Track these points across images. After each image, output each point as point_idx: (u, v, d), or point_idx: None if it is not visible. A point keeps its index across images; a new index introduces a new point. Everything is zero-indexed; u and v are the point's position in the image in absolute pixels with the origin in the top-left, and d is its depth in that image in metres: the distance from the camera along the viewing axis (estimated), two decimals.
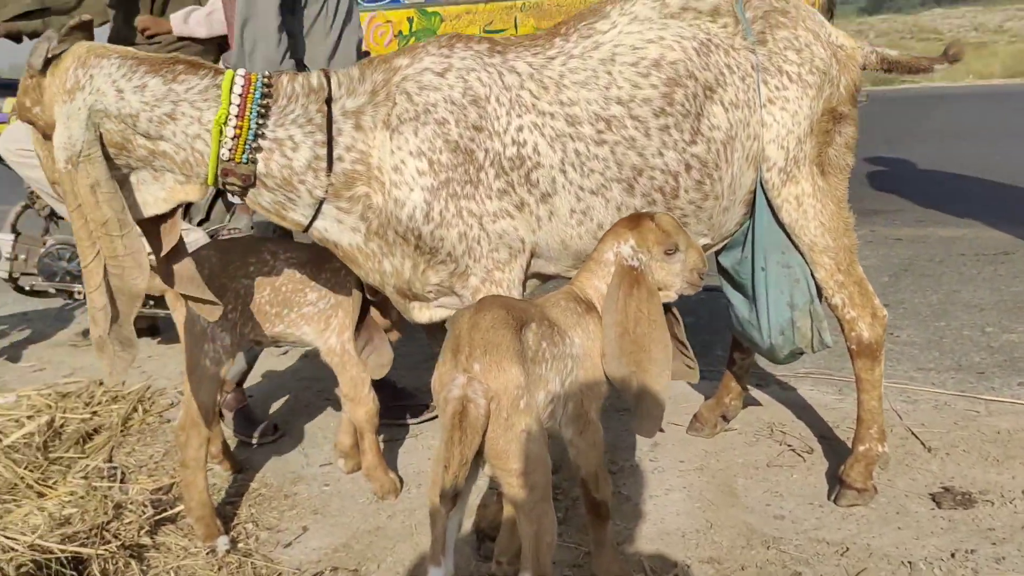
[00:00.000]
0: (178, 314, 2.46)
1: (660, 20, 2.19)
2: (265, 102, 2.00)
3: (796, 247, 2.37)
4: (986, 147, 8.03)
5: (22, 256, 3.81)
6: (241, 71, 2.02)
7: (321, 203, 2.08)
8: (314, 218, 2.10)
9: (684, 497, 2.52)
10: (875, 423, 2.44)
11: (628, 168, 2.15)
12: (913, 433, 2.80)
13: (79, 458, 2.93)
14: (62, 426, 3.13)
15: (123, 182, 2.01)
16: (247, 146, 1.99)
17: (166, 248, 2.08)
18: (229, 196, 2.13)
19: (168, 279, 2.10)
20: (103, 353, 1.96)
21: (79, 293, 3.78)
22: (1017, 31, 24.59)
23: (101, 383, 3.56)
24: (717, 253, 2.49)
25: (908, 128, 9.39)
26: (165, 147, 1.99)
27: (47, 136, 1.97)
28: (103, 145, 1.94)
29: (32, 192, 3.82)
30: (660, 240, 1.95)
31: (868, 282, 2.42)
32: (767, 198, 2.32)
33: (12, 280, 3.85)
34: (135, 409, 3.33)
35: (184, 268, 2.10)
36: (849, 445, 2.72)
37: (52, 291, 3.83)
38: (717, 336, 3.80)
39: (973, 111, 10.21)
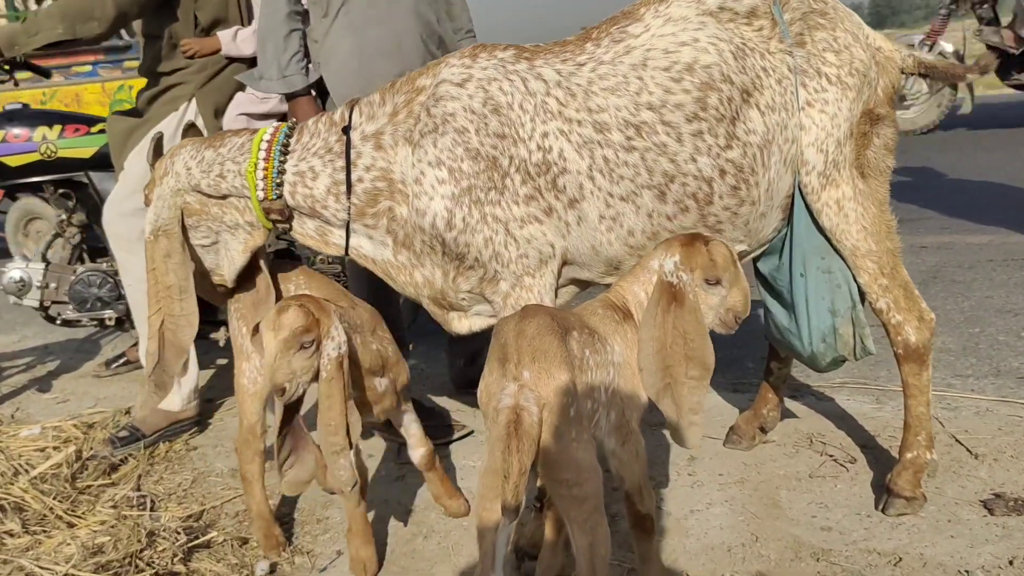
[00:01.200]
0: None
1: (697, 19, 2.15)
2: (287, 142, 2.22)
3: (837, 252, 2.31)
4: (1007, 154, 7.96)
5: (53, 284, 3.81)
6: (273, 124, 2.27)
7: (348, 224, 2.20)
8: (347, 239, 2.22)
9: (727, 511, 2.45)
10: (923, 429, 2.38)
11: (659, 174, 2.12)
12: (958, 440, 2.73)
13: (107, 487, 2.90)
14: (90, 456, 3.09)
15: (214, 247, 2.35)
16: (274, 183, 2.20)
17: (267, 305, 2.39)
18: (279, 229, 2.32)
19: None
20: (143, 388, 2.34)
21: (110, 319, 3.77)
22: None
23: (127, 412, 3.53)
24: (755, 260, 2.44)
25: (927, 136, 9.32)
26: (226, 205, 2.28)
27: None
28: (184, 222, 2.29)
29: (62, 220, 3.82)
30: (704, 266, 1.89)
31: (913, 285, 2.36)
32: (806, 203, 2.28)
33: (43, 309, 3.84)
34: (164, 429, 3.30)
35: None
36: (892, 454, 2.67)
37: (83, 321, 3.82)
38: (746, 349, 3.74)
39: (993, 118, 10.11)
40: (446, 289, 2.20)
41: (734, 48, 2.15)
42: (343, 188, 2.17)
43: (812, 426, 2.94)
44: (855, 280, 2.33)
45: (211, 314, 3.80)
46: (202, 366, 3.60)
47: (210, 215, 2.29)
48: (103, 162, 3.66)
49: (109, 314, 3.76)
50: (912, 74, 2.44)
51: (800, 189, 2.27)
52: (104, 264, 3.80)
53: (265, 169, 2.19)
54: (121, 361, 4.28)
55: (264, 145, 2.21)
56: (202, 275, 2.39)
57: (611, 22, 2.22)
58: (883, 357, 3.46)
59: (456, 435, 3.08)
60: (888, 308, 2.33)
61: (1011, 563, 2.10)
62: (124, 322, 3.80)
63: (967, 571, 2.09)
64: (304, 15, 2.84)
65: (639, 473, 1.90)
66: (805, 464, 2.68)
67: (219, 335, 3.80)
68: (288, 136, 2.23)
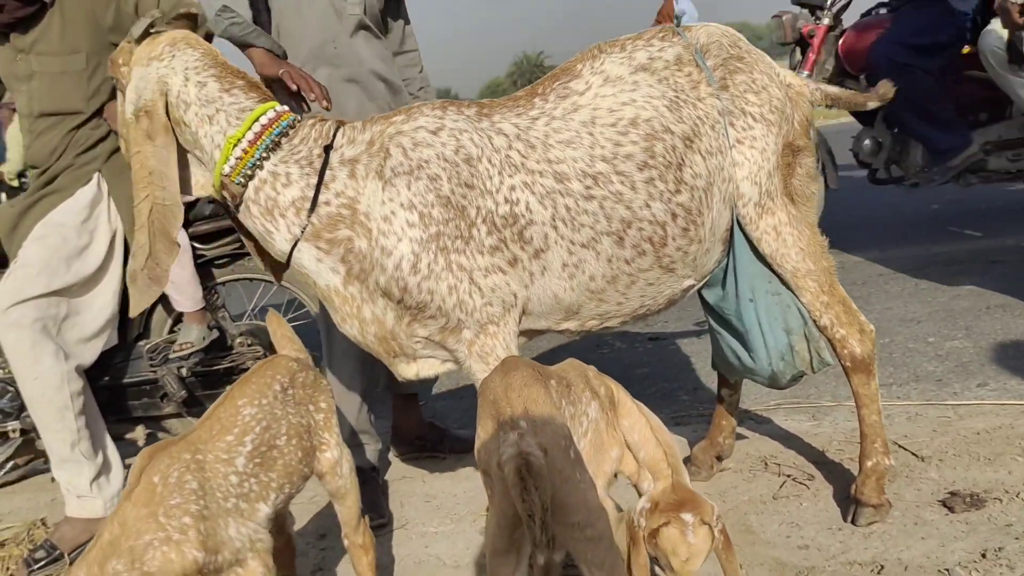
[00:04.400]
0: None
1: (631, 77, 2.25)
2: (279, 139, 2.15)
3: (778, 275, 2.40)
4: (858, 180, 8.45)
5: None
6: (281, 108, 2.18)
7: (297, 241, 2.14)
8: (290, 254, 2.17)
9: None
10: (878, 437, 2.46)
11: (617, 221, 2.18)
12: (901, 446, 2.83)
13: None
14: (8, 573, 2.84)
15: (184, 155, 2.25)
16: (245, 170, 2.13)
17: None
18: (227, 207, 2.27)
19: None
20: (134, 285, 2.18)
21: (14, 431, 3.48)
22: None
23: (43, 522, 3.27)
24: (700, 291, 2.49)
25: None
26: (200, 140, 2.19)
27: (122, 91, 2.28)
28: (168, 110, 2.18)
29: None
30: (648, 540, 1.90)
31: (851, 300, 2.47)
32: (745, 232, 2.36)
33: None
34: (85, 543, 3.06)
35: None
36: (844, 467, 2.75)
37: None
38: (678, 382, 3.81)
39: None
40: (397, 331, 2.18)
41: (668, 102, 2.25)
42: (307, 205, 2.13)
43: (761, 449, 3.00)
44: (799, 300, 2.41)
45: (125, 412, 3.60)
46: None
47: (182, 136, 2.21)
48: None
49: (13, 426, 3.47)
50: (820, 105, 2.59)
51: (738, 220, 2.35)
52: (1, 372, 3.53)
53: (245, 151, 2.12)
54: (7, 468, 3.92)
55: (257, 127, 2.13)
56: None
57: (552, 78, 2.31)
58: (810, 376, 3.58)
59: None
60: (832, 324, 2.43)
61: (984, 556, 2.18)
62: (30, 432, 3.51)
63: (947, 569, 2.15)
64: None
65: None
66: (766, 487, 2.72)
67: (136, 434, 3.59)
68: (283, 133, 2.16)
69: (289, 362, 2.13)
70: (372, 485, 3.03)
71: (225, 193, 2.18)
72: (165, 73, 2.17)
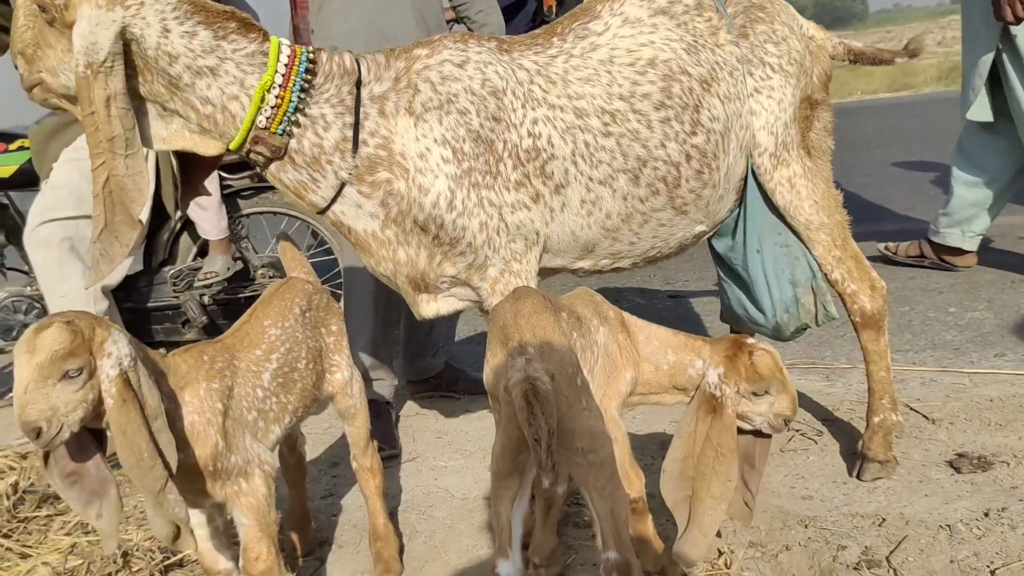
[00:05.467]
0: None
1: (649, 20, 2.25)
2: (308, 77, 1.98)
3: (791, 228, 2.42)
4: (891, 153, 8.36)
5: None
6: (286, 40, 2.00)
7: (343, 185, 2.05)
8: (332, 200, 2.07)
9: None
10: (886, 393, 2.48)
11: (633, 159, 2.19)
12: (912, 408, 2.84)
13: (55, 515, 2.74)
14: (31, 486, 2.92)
15: (137, 107, 1.95)
16: (286, 118, 1.96)
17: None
18: (252, 164, 2.09)
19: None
20: (91, 261, 1.93)
21: None
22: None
23: None
24: (710, 240, 2.51)
25: None
26: (190, 96, 1.94)
27: (50, 23, 1.88)
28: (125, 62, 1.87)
29: None
30: (751, 379, 1.84)
31: (863, 256, 2.47)
32: (759, 183, 2.37)
33: None
34: None
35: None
36: (853, 425, 2.76)
37: (8, 351, 3.59)
38: None
39: (869, 122, 10.63)
40: (428, 271, 2.16)
41: (686, 46, 2.25)
42: (350, 146, 2.01)
43: None
44: (810, 253, 2.43)
45: (147, 335, 3.66)
46: None
47: (148, 86, 1.94)
48: (24, 180, 3.48)
49: None
50: (843, 60, 2.56)
51: (753, 171, 2.36)
52: (28, 288, 3.60)
53: (280, 98, 1.93)
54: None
55: (282, 69, 1.94)
56: None
57: (571, 18, 2.29)
58: (826, 338, 3.59)
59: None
60: (843, 279, 2.44)
61: (986, 515, 2.20)
62: None
63: (948, 525, 2.17)
64: None
65: (621, 458, 1.89)
66: (775, 440, 2.72)
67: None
68: (308, 70, 1.98)
69: (304, 284, 2.17)
70: (386, 418, 3.08)
71: (259, 149, 1.98)
72: (134, 24, 1.85)
